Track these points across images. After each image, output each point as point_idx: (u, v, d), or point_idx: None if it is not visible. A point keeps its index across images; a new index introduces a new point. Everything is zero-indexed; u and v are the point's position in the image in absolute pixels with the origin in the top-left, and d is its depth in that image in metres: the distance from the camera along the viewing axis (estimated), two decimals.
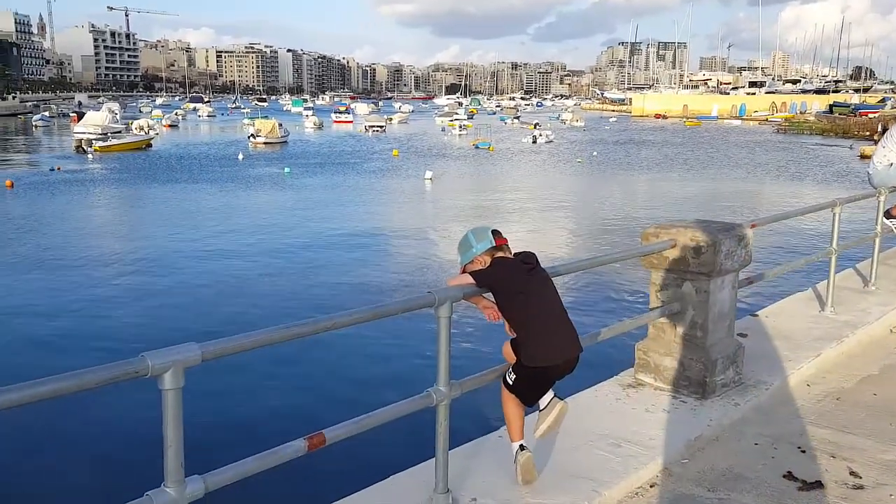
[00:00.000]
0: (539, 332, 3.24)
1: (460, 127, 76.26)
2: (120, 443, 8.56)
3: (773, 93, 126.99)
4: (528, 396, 3.36)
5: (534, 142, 65.30)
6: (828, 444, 4.13)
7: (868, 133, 69.05)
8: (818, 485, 3.67)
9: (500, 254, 3.31)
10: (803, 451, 4.04)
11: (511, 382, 3.32)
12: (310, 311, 14.18)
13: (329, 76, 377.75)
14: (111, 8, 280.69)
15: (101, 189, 34.88)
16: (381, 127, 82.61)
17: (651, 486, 3.65)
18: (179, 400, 2.25)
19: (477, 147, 59.94)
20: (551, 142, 66.84)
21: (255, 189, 35.28)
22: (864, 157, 55.03)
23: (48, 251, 20.79)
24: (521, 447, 3.39)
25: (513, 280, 3.23)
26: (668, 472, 3.79)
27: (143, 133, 61.14)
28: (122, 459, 8.06)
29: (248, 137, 61.91)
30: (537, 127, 78.98)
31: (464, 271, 3.36)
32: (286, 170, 42.67)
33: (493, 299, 3.32)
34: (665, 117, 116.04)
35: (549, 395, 3.43)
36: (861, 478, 3.77)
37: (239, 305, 14.82)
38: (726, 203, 31.88)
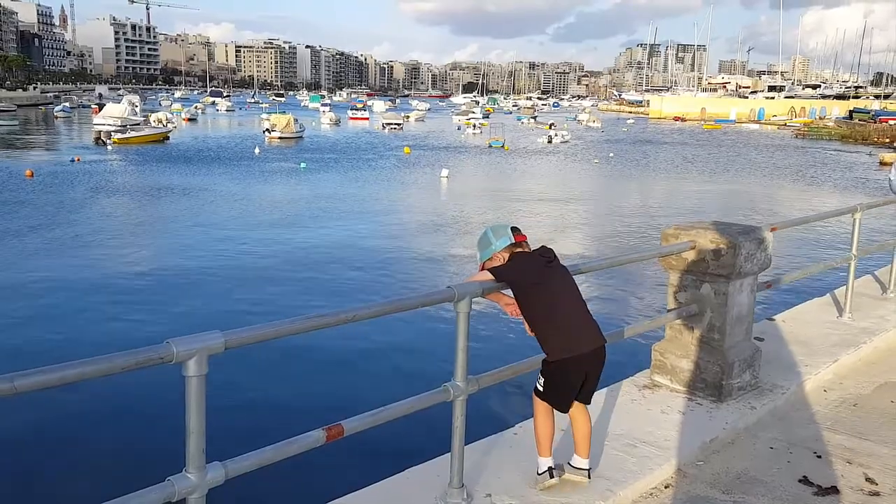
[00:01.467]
0: (561, 324, 3.25)
1: (475, 126, 76.01)
2: (141, 427, 8.73)
3: (792, 97, 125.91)
4: (561, 399, 3.33)
5: (549, 141, 65.24)
6: (844, 450, 4.11)
7: (888, 140, 68.47)
8: (834, 490, 3.65)
9: (518, 250, 3.32)
10: (819, 457, 4.02)
11: (542, 389, 3.31)
12: (328, 301, 14.29)
13: (346, 73, 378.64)
14: (132, 1, 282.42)
15: (118, 181, 35.13)
16: (398, 124, 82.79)
17: (666, 487, 3.64)
18: (203, 387, 2.28)
19: (491, 146, 59.84)
20: (566, 142, 66.74)
21: (272, 183, 35.46)
22: (883, 164, 54.55)
23: (65, 239, 21.00)
24: (551, 472, 3.39)
25: (532, 273, 3.24)
26: (682, 473, 3.78)
27: (161, 126, 61.49)
28: (144, 444, 8.20)
29: (264, 132, 62.15)
30: (553, 127, 78.82)
31: (483, 268, 3.37)
32: (302, 164, 42.86)
33: (512, 295, 3.33)
34: (684, 120, 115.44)
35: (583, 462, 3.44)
36: (877, 484, 3.75)
37: (258, 296, 14.91)
38: (744, 207, 31.70)
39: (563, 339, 3.25)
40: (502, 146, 58.64)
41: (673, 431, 4.11)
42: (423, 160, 48.00)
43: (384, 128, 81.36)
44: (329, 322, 2.64)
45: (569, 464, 3.45)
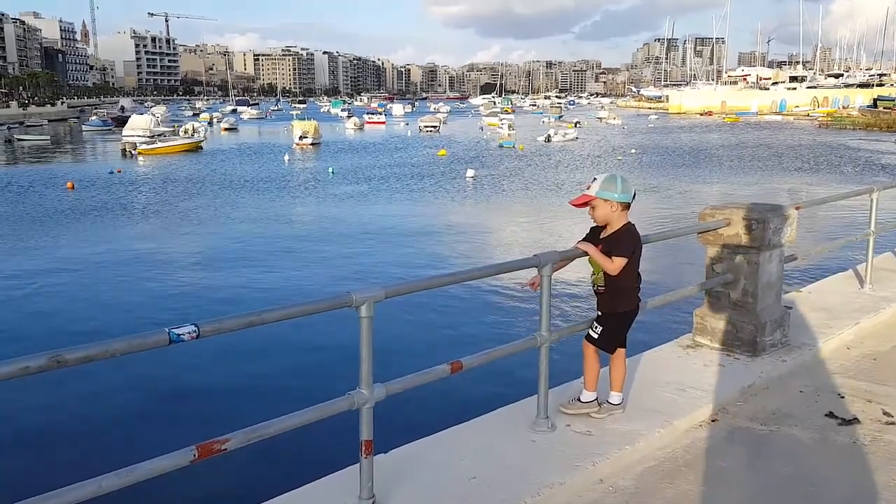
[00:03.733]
0: (636, 284, 4.04)
1: (509, 126, 75.70)
2: (321, 356, 11.62)
3: (814, 87, 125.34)
4: (614, 343, 4.10)
5: (547, 141, 64.90)
6: (864, 393, 4.81)
7: None
8: (855, 421, 4.36)
9: (627, 213, 3.96)
10: (842, 397, 4.73)
11: (597, 335, 4.06)
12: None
13: (364, 77, 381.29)
14: (152, 14, 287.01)
15: (161, 191, 36.27)
16: (434, 127, 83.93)
17: (712, 421, 4.37)
18: (371, 326, 3.06)
19: (501, 146, 60.10)
20: (575, 139, 66.68)
21: (309, 191, 36.44)
22: None
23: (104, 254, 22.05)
24: (598, 402, 4.16)
25: (639, 245, 3.99)
26: (725, 410, 4.51)
27: (189, 136, 62.85)
28: (323, 370, 11.00)
29: (299, 138, 63.15)
30: (578, 125, 79.17)
31: (587, 198, 3.96)
32: (330, 170, 43.83)
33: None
34: (710, 114, 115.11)
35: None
36: (893, 417, 4.45)
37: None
38: (769, 197, 32.12)
39: (634, 295, 4.03)
40: (514, 146, 58.90)
41: (715, 379, 4.84)
42: (458, 164, 48.73)
43: (421, 130, 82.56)
44: (453, 280, 3.42)
45: (608, 401, 4.19)
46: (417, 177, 41.07)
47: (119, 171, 43.26)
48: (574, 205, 4.10)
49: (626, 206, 4.00)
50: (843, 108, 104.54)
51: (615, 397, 4.21)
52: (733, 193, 33.99)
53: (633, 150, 56.27)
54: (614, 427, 4.07)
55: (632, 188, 4.02)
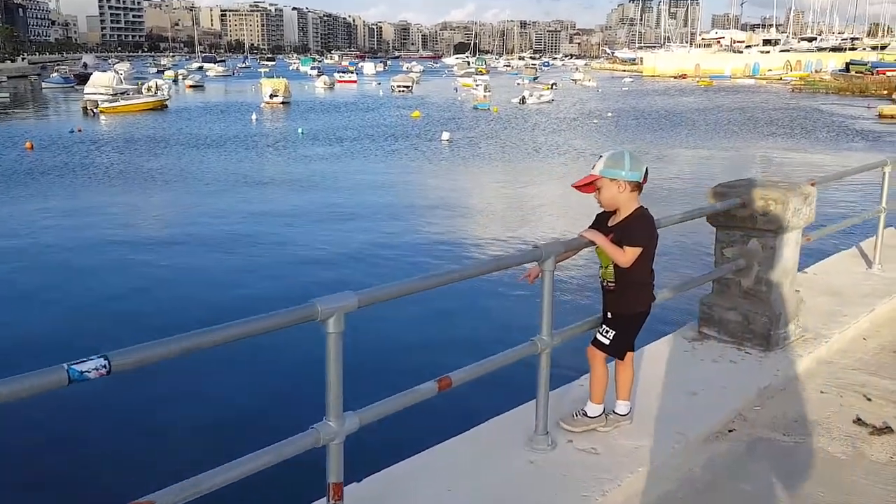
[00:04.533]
0: (650, 281, 3.49)
1: (484, 88, 73.92)
2: (282, 381, 9.55)
3: (787, 51, 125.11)
4: (625, 348, 3.55)
5: (522, 102, 63.91)
6: (891, 393, 4.34)
7: (886, 92, 68.34)
8: (888, 430, 3.88)
9: (638, 194, 3.40)
10: (869, 399, 4.25)
11: (608, 340, 3.50)
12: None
13: (335, 35, 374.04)
14: None
15: (124, 151, 34.98)
16: (407, 87, 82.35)
17: (729, 431, 3.87)
18: (340, 343, 2.46)
19: (476, 108, 59.07)
20: (551, 101, 65.81)
21: (279, 151, 35.39)
22: (882, 116, 54.64)
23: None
24: (607, 415, 3.63)
25: (655, 235, 3.43)
26: (742, 417, 4.01)
27: (152, 94, 60.82)
28: (285, 395, 9.06)
29: (269, 97, 61.45)
30: (554, 87, 78.18)
31: (593, 179, 3.39)
32: (300, 130, 42.70)
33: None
34: (684, 77, 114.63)
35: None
36: None
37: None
38: (753, 166, 31.90)
39: (649, 293, 3.47)
40: (489, 108, 57.86)
41: (727, 379, 4.34)
42: (434, 125, 47.76)
43: (394, 90, 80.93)
44: (441, 281, 2.82)
45: (614, 411, 3.66)
46: (392, 138, 40.13)
47: (80, 131, 41.71)
48: (577, 187, 3.51)
49: (638, 187, 3.42)
50: (816, 71, 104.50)
51: (622, 407, 3.68)
52: (711, 158, 33.66)
53: (609, 114, 55.61)
54: (623, 443, 3.55)
55: (642, 165, 3.43)
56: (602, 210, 3.55)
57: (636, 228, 3.38)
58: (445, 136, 38.69)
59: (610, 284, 3.51)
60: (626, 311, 3.50)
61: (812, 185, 5.10)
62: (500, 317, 11.70)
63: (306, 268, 15.01)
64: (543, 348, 3.33)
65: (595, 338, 3.56)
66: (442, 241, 17.23)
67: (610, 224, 3.49)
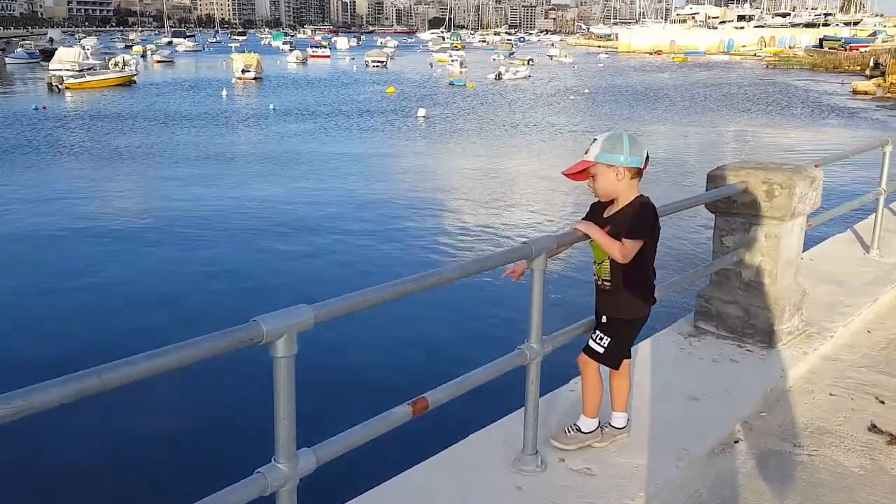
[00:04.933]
0: (651, 280, 3.11)
1: (460, 64, 72.73)
2: (223, 414, 7.99)
3: (761, 27, 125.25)
4: (622, 356, 3.16)
5: (497, 78, 63.19)
6: None
7: (859, 68, 68.54)
8: None
9: (639, 182, 3.00)
10: (882, 402, 3.91)
11: (603, 348, 3.10)
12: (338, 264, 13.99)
13: (307, 9, 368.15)
14: None
15: (90, 128, 33.93)
16: (381, 62, 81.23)
17: (735, 442, 3.50)
18: (292, 369, 2.03)
19: (452, 84, 58.27)
20: (527, 77, 65.18)
21: (251, 128, 34.55)
22: (856, 92, 54.81)
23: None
24: (602, 429, 3.24)
25: (657, 227, 3.03)
26: (748, 426, 3.64)
27: (120, 69, 59.16)
28: (226, 432, 7.56)
29: (241, 72, 60.15)
30: (530, 63, 77.48)
31: (582, 164, 2.99)
32: (271, 106, 41.80)
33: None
34: (659, 53, 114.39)
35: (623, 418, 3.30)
36: None
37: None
38: (730, 145, 31.74)
39: (650, 295, 3.08)
40: (465, 84, 57.10)
41: (730, 382, 3.97)
42: (410, 102, 47.00)
43: (368, 65, 79.80)
44: (416, 287, 2.39)
45: (610, 424, 3.28)
46: (366, 114, 39.40)
47: (44, 108, 40.42)
48: (569, 175, 3.09)
49: (638, 174, 3.00)
50: (790, 47, 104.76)
51: (619, 419, 3.29)
52: (687, 135, 33.42)
53: (587, 90, 55.15)
54: (620, 461, 3.16)
55: (643, 148, 3.01)
56: (597, 200, 3.14)
57: (636, 219, 2.96)
58: (421, 112, 38.07)
59: (605, 283, 3.10)
60: (623, 315, 3.10)
61: (817, 167, 4.72)
62: (483, 321, 10.42)
63: (265, 261, 13.77)
64: (533, 358, 2.92)
65: (587, 345, 3.16)
66: (420, 230, 16.14)
67: (606, 215, 3.08)
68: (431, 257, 13.71)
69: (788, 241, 4.37)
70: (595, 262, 3.13)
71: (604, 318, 3.13)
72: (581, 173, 3.04)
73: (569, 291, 10.25)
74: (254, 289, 12.04)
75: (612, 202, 3.07)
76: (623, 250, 2.94)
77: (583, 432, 3.19)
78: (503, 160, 26.29)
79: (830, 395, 4.01)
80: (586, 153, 3.02)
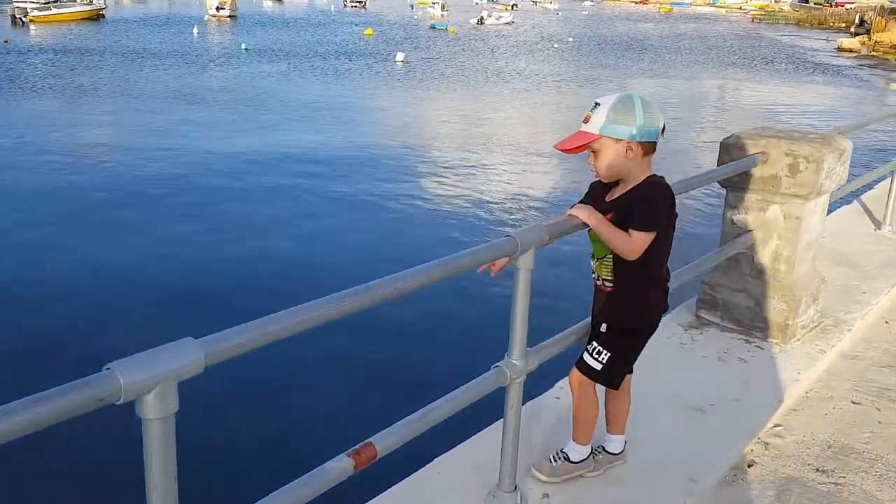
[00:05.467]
0: (663, 280, 2.51)
1: (442, 7, 70.52)
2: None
3: None
4: (623, 372, 2.58)
5: (480, 23, 61.62)
6: None
7: (844, 25, 67.82)
8: None
9: (651, 158, 2.38)
10: None
11: (602, 364, 2.50)
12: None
13: None
14: None
15: (55, 64, 32.38)
16: (360, 3, 79.06)
17: (749, 466, 2.96)
18: (170, 432, 1.40)
19: (433, 27, 56.75)
20: (510, 24, 63.67)
21: (221, 67, 33.18)
22: (841, 49, 54.20)
23: None
24: (594, 456, 2.68)
25: (674, 213, 2.41)
26: (763, 444, 3.10)
27: (88, 3, 56.71)
28: None
29: (216, 9, 58.05)
30: (514, 8, 75.70)
31: (582, 138, 2.33)
32: (243, 46, 40.29)
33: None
34: (645, 3, 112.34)
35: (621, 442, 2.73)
36: None
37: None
38: (716, 103, 31.08)
39: (662, 299, 2.49)
40: (446, 28, 55.62)
41: (741, 387, 3.42)
42: (390, 45, 45.55)
43: (345, 6, 77.59)
44: (357, 305, 1.75)
45: (604, 448, 2.72)
46: (343, 56, 38.11)
47: (6, 42, 38.59)
48: (563, 150, 2.43)
49: (651, 148, 2.37)
50: (776, 2, 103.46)
51: (615, 443, 2.72)
52: (670, 88, 32.68)
53: (571, 39, 53.94)
54: (617, 497, 2.60)
55: (659, 116, 2.35)
56: (597, 179, 2.50)
57: (648, 205, 2.33)
58: (400, 56, 36.89)
59: (606, 284, 2.49)
60: (629, 324, 2.50)
61: (841, 135, 4.12)
62: (453, 327, 8.38)
63: (213, 227, 12.01)
64: (514, 377, 2.32)
65: (581, 359, 2.56)
66: (392, 194, 14.13)
67: (609, 199, 2.45)
68: (404, 229, 12.21)
69: (810, 223, 3.79)
70: (594, 258, 2.52)
71: (603, 327, 2.52)
72: (580, 148, 2.40)
73: (558, 288, 8.38)
74: (195, 257, 10.67)
75: (616, 182, 2.45)
76: (631, 244, 2.32)
77: (572, 462, 2.62)
78: (486, 110, 25.44)
79: (853, 402, 3.48)
80: (586, 122, 2.36)
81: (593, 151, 2.38)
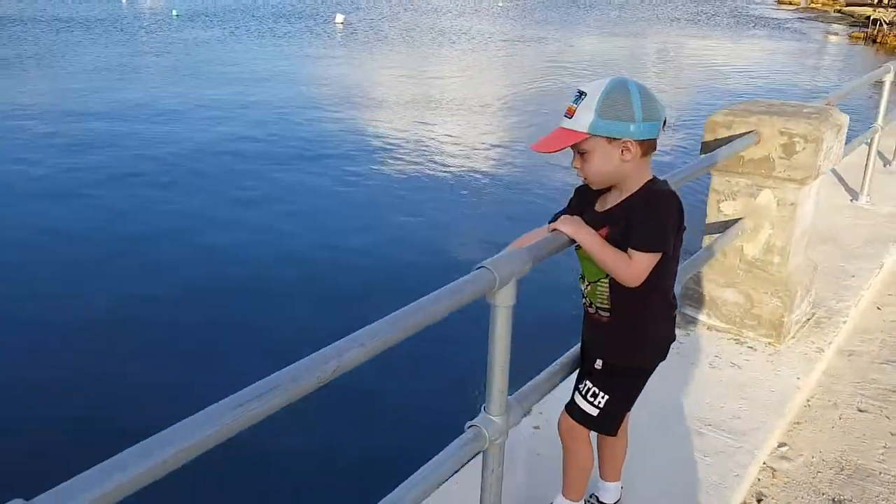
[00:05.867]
0: (671, 303, 2.07)
1: None
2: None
3: None
4: (622, 416, 2.15)
5: None
6: None
7: None
8: None
9: (650, 158, 1.92)
10: None
11: (600, 409, 2.06)
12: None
13: None
14: None
15: None
16: None
17: (759, 502, 2.59)
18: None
19: None
20: None
21: (151, 34, 31.60)
22: (780, 2, 54.58)
23: None
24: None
25: (682, 225, 1.95)
26: (771, 472, 2.74)
27: None
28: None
29: None
30: None
31: (566, 138, 1.86)
32: (174, 13, 38.52)
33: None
34: None
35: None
36: None
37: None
38: (660, 60, 30.83)
39: (669, 330, 2.06)
40: None
41: (737, 400, 3.05)
42: (329, 5, 44.06)
43: None
44: (284, 400, 1.26)
45: (598, 499, 2.31)
46: (281, 19, 36.71)
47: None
48: (543, 150, 1.95)
49: (651, 147, 1.90)
50: None
51: (610, 491, 2.31)
52: (611, 47, 32.34)
53: None
54: None
55: (660, 107, 1.88)
56: (583, 183, 2.04)
57: (652, 219, 1.87)
58: (339, 18, 35.73)
59: (602, 313, 2.04)
60: (630, 361, 2.06)
61: (828, 104, 3.74)
62: (409, 379, 6.08)
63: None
64: (494, 438, 1.87)
65: (573, 403, 2.12)
66: (335, 175, 12.30)
67: (601, 208, 2.00)
68: (348, 227, 10.19)
69: (805, 209, 3.41)
70: (584, 280, 2.07)
71: (598, 363, 2.08)
72: (563, 148, 1.92)
73: (538, 307, 6.41)
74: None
75: (609, 189, 1.99)
76: (632, 268, 1.87)
77: None
78: (434, 75, 24.68)
79: (859, 410, 3.14)
80: (569, 116, 1.88)
81: (580, 153, 1.91)
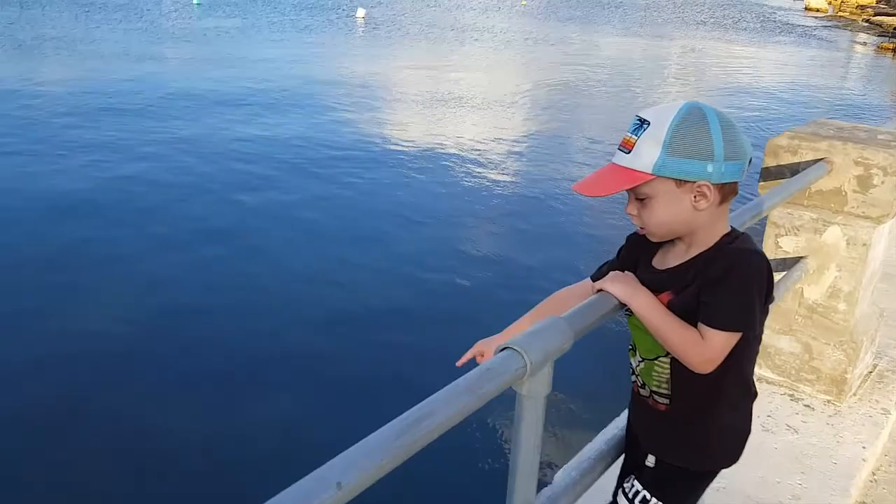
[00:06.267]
0: (751, 389, 1.68)
1: None
2: None
3: None
4: None
5: None
6: None
7: None
8: None
9: (729, 206, 1.51)
10: None
11: None
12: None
13: None
14: None
15: None
16: None
17: None
18: None
19: None
20: None
21: (172, 22, 31.38)
22: (808, 9, 53.73)
23: None
24: None
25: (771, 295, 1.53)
26: None
27: None
28: None
29: None
30: None
31: (624, 179, 1.45)
32: (195, 1, 38.25)
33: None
34: None
35: None
36: None
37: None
38: (684, 64, 30.26)
39: (746, 423, 1.65)
40: None
41: (796, 473, 2.62)
42: None
43: None
44: None
45: None
46: (304, 11, 36.38)
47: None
48: (591, 194, 1.51)
49: (732, 192, 1.47)
50: None
51: None
52: (632, 47, 31.74)
53: None
54: None
55: (745, 142, 1.45)
56: (637, 231, 1.61)
57: (734, 289, 1.44)
58: (361, 12, 35.29)
59: (658, 399, 1.61)
60: (691, 464, 1.64)
61: None
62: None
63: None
64: None
65: None
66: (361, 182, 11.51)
67: (661, 264, 1.57)
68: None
69: (877, 251, 2.97)
70: (635, 353, 1.64)
71: (651, 460, 1.66)
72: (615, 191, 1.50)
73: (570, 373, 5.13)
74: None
75: (673, 241, 1.56)
76: (704, 349, 1.44)
77: None
78: (458, 74, 24.23)
79: None
80: (628, 151, 1.45)
81: (639, 199, 1.49)
